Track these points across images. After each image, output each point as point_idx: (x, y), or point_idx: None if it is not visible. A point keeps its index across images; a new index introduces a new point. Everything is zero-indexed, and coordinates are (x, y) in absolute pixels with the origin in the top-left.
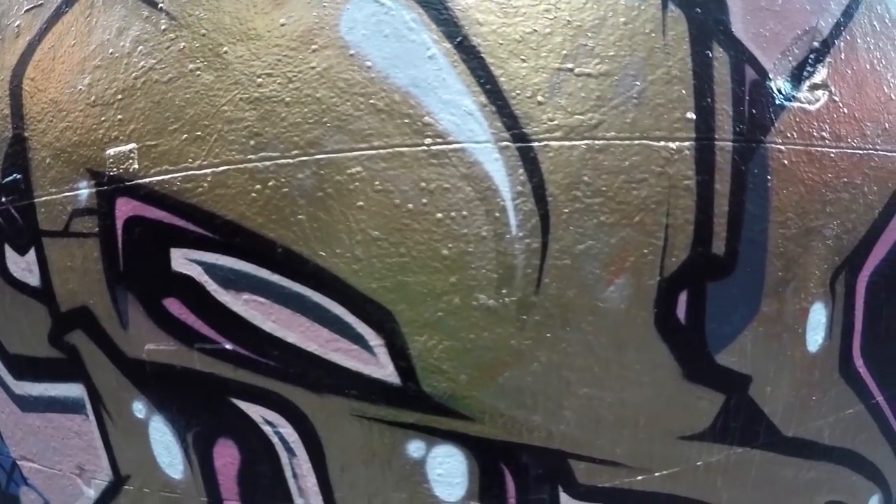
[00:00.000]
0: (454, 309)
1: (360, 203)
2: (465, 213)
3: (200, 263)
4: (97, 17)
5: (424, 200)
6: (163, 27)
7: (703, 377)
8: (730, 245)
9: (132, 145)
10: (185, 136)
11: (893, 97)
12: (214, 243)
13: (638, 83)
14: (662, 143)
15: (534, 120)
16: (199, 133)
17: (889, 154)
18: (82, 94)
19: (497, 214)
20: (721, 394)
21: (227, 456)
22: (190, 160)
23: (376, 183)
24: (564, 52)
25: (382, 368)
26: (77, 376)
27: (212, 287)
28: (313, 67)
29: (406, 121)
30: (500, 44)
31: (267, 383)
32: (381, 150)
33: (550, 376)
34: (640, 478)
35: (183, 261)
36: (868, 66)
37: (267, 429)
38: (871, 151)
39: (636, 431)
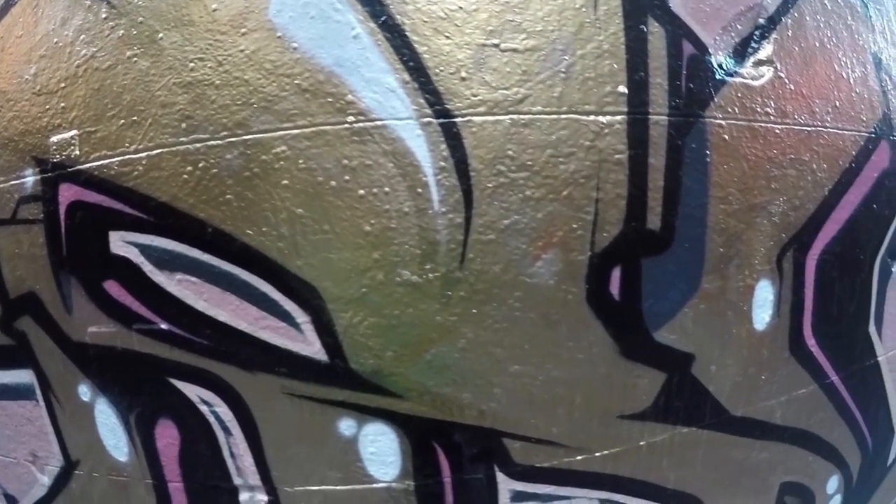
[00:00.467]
0: (378, 285)
1: (285, 181)
2: (387, 189)
3: (137, 245)
4: (43, 7)
5: (347, 177)
6: (103, 16)
7: (641, 355)
8: (666, 220)
9: (73, 132)
10: (123, 121)
11: (844, 76)
12: (149, 225)
13: (566, 58)
14: (592, 118)
15: (457, 96)
16: (135, 118)
17: (839, 132)
18: (28, 84)
19: (419, 190)
20: (662, 372)
21: (168, 437)
22: (126, 144)
23: (300, 161)
24: (490, 28)
25: (310, 346)
26: (26, 362)
27: (147, 268)
28: (242, 50)
29: (329, 100)
30: (425, 21)
31: (201, 362)
32: (305, 129)
33: (478, 353)
34: (579, 458)
35: (121, 243)
36: (817, 44)
37: (204, 408)
38: (819, 128)
39: (572, 410)
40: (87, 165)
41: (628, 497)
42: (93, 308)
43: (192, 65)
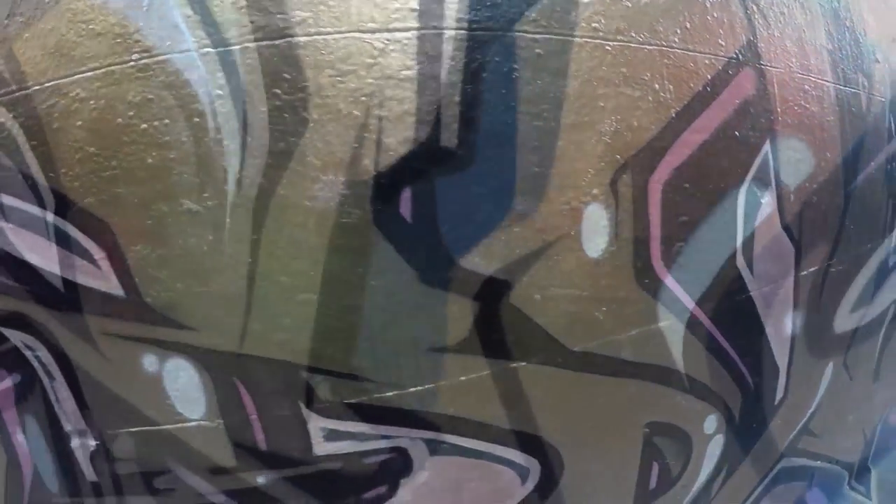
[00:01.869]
0: (162, 216)
1: (80, 123)
2: (167, 121)
3: None
4: None
5: (131, 113)
6: None
7: (444, 282)
8: (463, 138)
9: None
10: None
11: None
12: None
13: None
14: (376, 35)
15: (235, 25)
16: None
17: (689, 53)
18: None
19: (196, 119)
20: (473, 301)
21: (5, 386)
22: None
23: (92, 102)
24: None
25: (108, 281)
26: None
27: None
28: (48, 3)
29: (119, 40)
30: None
31: (20, 307)
32: (98, 71)
33: (263, 281)
34: (390, 394)
35: None
36: None
37: (28, 354)
38: (664, 48)
39: (373, 341)
40: None
41: (459, 437)
42: None
43: (6, 22)
